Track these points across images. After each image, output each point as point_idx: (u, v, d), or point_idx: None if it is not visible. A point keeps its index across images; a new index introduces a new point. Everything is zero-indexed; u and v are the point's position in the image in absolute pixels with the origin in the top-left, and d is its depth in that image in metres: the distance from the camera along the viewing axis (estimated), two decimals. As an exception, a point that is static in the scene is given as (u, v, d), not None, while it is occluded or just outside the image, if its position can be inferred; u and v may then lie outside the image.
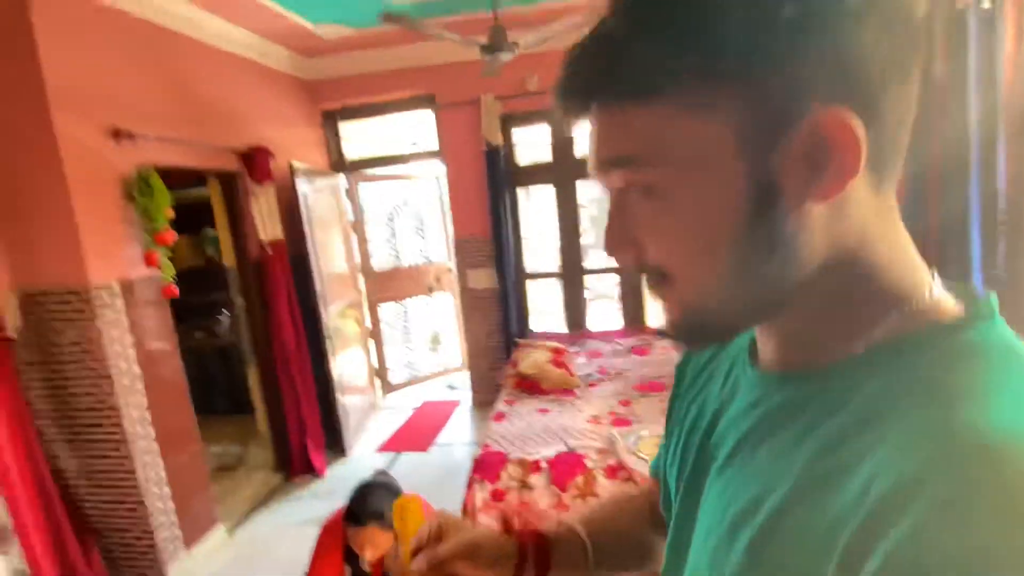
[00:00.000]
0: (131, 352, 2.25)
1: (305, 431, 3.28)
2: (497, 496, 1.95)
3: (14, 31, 1.91)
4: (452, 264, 4.45)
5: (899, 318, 0.31)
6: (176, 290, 2.39)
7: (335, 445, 3.53)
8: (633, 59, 0.29)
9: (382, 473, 1.74)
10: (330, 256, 3.61)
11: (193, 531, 2.51)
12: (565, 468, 1.96)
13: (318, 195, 3.51)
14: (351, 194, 4.13)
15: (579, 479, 1.92)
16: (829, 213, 0.30)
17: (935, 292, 0.32)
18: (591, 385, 2.76)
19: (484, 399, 3.77)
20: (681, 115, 0.29)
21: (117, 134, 2.20)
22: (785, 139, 0.28)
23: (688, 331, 0.35)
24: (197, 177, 3.09)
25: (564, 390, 2.67)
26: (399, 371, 4.58)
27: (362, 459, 3.48)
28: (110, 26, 2.23)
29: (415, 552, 0.49)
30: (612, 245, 0.35)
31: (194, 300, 3.54)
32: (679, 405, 0.49)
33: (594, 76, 0.31)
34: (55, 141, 1.98)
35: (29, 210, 2.08)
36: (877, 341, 0.31)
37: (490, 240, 3.81)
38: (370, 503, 1.48)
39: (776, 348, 0.36)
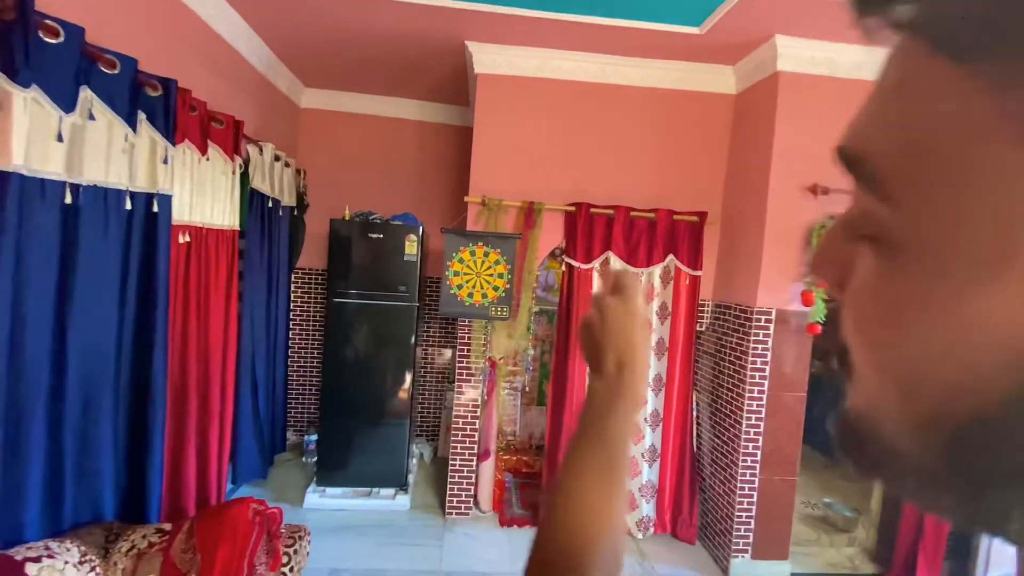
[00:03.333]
0: (767, 368, 2.64)
1: (919, 537, 2.66)
2: None
3: (766, 109, 2.62)
4: None
5: None
6: (820, 329, 2.55)
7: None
8: None
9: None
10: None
11: (765, 550, 2.69)
12: None
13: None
14: None
15: None
16: None
17: None
18: None
19: None
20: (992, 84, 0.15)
21: (815, 189, 2.56)
22: None
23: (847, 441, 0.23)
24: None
25: None
26: None
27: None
28: (829, 94, 2.58)
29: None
30: (819, 262, 0.24)
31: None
32: None
33: None
34: (766, 195, 2.58)
35: (737, 242, 2.83)
36: None
37: None
38: None
39: None
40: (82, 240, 1.63)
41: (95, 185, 1.68)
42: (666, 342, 2.97)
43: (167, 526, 1.81)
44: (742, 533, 2.68)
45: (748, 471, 2.66)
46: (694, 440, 3.06)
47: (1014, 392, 0.16)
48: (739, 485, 2.67)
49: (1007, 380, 0.16)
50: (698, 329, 3.00)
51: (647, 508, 3.00)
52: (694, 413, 3.05)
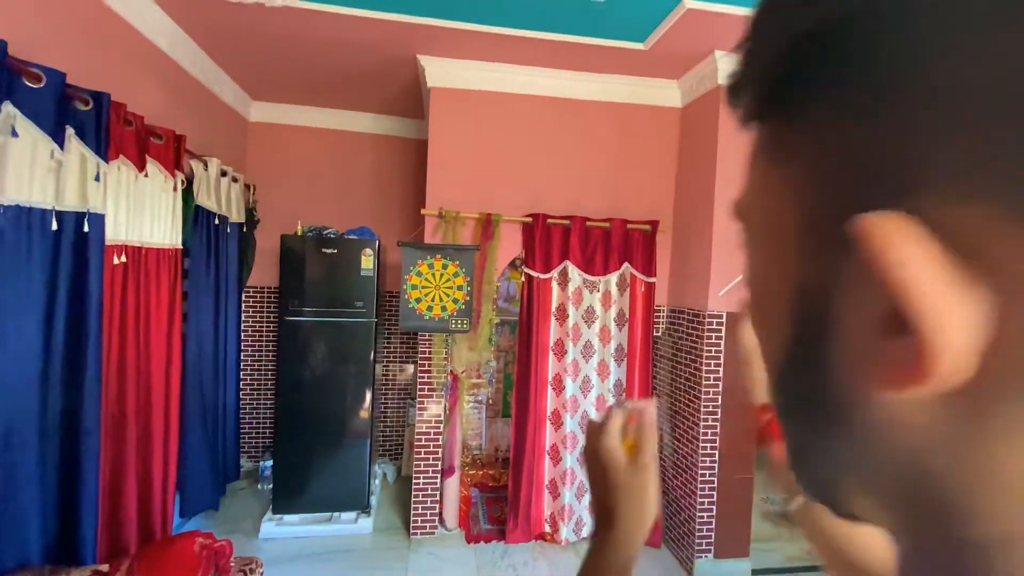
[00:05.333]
0: (720, 370, 2.72)
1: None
2: None
3: (709, 121, 2.73)
4: None
5: None
6: (767, 330, 2.65)
7: None
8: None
9: None
10: None
11: (727, 549, 2.75)
12: None
13: None
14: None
15: None
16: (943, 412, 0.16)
17: None
18: None
19: None
20: (762, 152, 0.22)
21: (757, 196, 2.68)
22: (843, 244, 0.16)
23: None
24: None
25: None
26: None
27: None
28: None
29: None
30: None
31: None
32: None
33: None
34: (712, 204, 2.69)
35: (688, 249, 2.93)
36: None
37: None
38: None
39: None
40: (2, 263, 1.52)
41: (18, 205, 1.58)
42: (625, 348, 3.02)
43: (104, 567, 1.68)
44: (704, 534, 2.74)
45: (707, 472, 2.73)
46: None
47: (791, 339, 0.20)
48: (699, 486, 2.73)
49: (789, 330, 0.20)
50: (655, 335, 3.07)
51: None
52: (654, 417, 3.10)
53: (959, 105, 0.14)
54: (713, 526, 2.73)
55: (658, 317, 3.10)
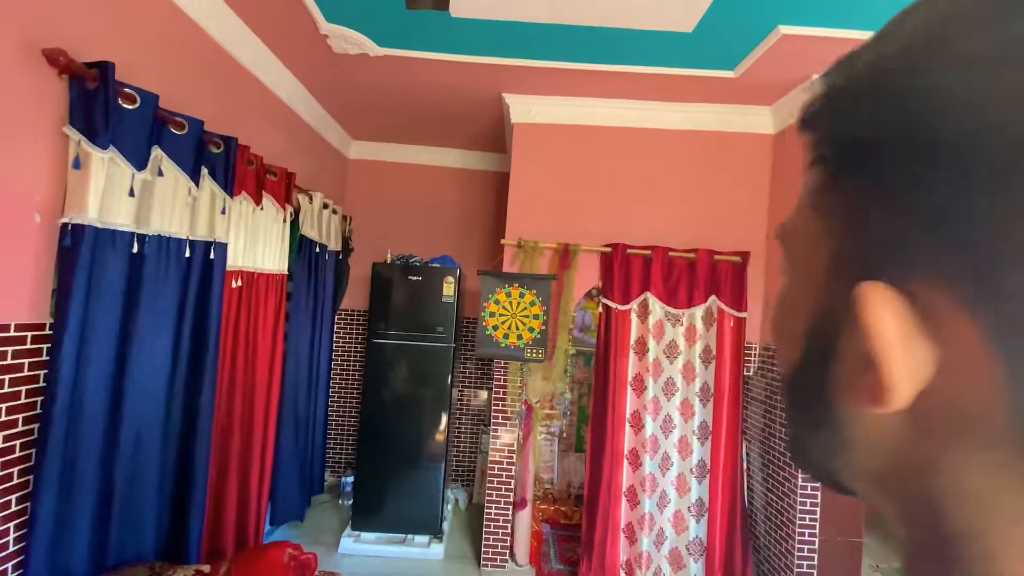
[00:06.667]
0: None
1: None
2: None
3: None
4: None
5: None
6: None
7: None
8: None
9: None
10: None
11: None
12: None
13: None
14: None
15: None
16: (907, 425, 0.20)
17: None
18: None
19: None
20: (811, 197, 0.26)
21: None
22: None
23: None
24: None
25: None
26: None
27: None
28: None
29: None
30: None
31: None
32: None
33: None
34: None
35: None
36: None
37: None
38: None
39: None
40: (145, 285, 1.75)
41: (160, 235, 1.82)
42: (711, 388, 2.84)
43: (206, 568, 1.82)
44: (803, 600, 2.44)
45: (807, 530, 2.45)
46: (745, 494, 2.86)
47: (803, 350, 0.25)
48: (797, 546, 2.45)
49: (802, 343, 0.25)
50: (745, 374, 2.86)
51: (695, 567, 2.79)
52: (744, 464, 2.86)
53: (941, 226, 0.18)
54: (814, 594, 2.44)
55: (749, 355, 2.89)
